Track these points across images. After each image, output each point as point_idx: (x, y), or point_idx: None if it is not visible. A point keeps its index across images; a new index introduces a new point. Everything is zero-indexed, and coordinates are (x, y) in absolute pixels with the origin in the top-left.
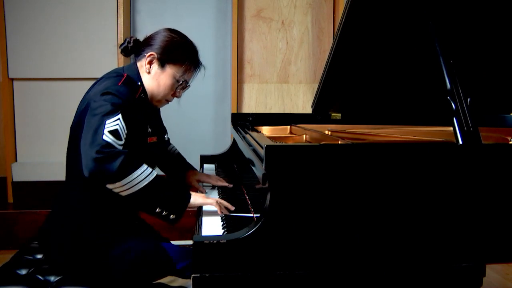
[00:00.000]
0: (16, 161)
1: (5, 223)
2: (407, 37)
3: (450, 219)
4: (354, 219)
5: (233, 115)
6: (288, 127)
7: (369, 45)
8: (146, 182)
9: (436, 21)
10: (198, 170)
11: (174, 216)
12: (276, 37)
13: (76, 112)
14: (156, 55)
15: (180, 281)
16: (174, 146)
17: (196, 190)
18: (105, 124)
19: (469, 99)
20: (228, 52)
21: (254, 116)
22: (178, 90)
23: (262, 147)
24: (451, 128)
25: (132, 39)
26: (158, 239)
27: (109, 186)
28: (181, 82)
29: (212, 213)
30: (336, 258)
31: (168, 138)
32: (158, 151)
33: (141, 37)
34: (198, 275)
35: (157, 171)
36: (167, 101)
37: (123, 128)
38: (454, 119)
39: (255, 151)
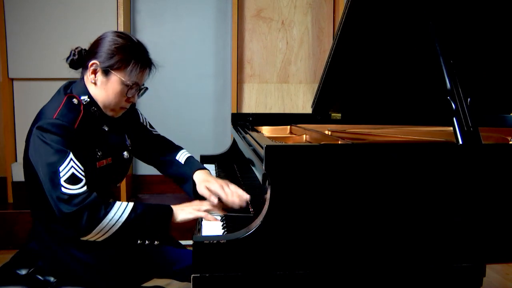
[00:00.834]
0: (16, 161)
1: (5, 223)
2: (407, 37)
3: (450, 219)
4: (354, 219)
5: (233, 115)
6: (288, 127)
7: (369, 45)
8: (119, 225)
9: (436, 21)
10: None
11: (158, 242)
12: (276, 37)
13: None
14: (98, 64)
15: (176, 284)
16: (183, 153)
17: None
18: (59, 173)
19: (469, 99)
20: (228, 52)
21: (254, 116)
22: (132, 95)
23: (262, 147)
24: (451, 128)
25: (76, 50)
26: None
27: (83, 238)
28: (131, 86)
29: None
30: (336, 258)
31: (160, 138)
32: (119, 172)
33: (141, 37)
34: (198, 275)
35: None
36: (123, 108)
37: (78, 166)
38: (454, 119)
39: (255, 151)
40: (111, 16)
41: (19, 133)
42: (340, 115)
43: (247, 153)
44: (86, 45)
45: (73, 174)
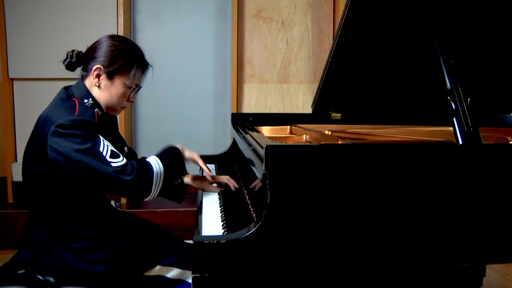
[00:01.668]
0: (16, 161)
1: (5, 223)
2: (407, 37)
3: (450, 219)
4: (354, 219)
5: (233, 115)
6: (288, 127)
7: (369, 45)
8: (163, 173)
9: (436, 21)
10: (198, 170)
11: (184, 177)
12: (276, 37)
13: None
14: (102, 68)
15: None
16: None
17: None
18: (101, 153)
19: (469, 99)
20: (228, 52)
21: (254, 116)
22: (132, 95)
23: (262, 147)
24: (451, 128)
25: (74, 53)
26: (154, 232)
27: (146, 199)
28: (133, 88)
29: (212, 213)
30: (336, 258)
31: (129, 149)
32: None
33: (141, 37)
34: (198, 275)
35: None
36: (123, 107)
37: (109, 144)
38: (454, 119)
39: (255, 151)
40: (111, 16)
41: (19, 133)
42: (340, 115)
43: (247, 153)
44: (86, 45)
45: (111, 150)
